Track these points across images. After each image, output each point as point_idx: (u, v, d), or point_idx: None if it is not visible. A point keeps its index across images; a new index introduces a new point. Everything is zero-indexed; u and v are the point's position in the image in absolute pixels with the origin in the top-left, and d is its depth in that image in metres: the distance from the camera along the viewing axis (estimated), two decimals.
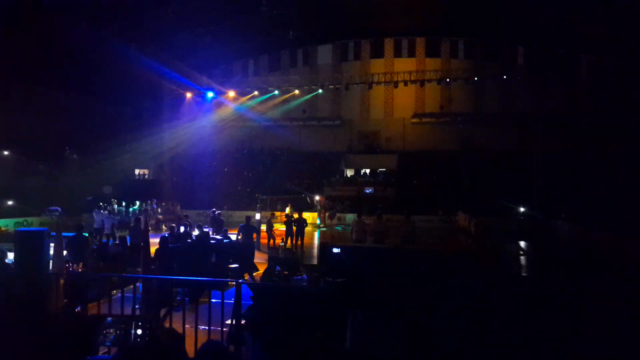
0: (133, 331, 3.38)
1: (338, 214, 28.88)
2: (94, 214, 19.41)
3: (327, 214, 27.94)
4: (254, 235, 13.13)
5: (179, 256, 8.93)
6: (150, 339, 3.35)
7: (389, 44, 37.54)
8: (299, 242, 16.16)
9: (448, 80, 29.81)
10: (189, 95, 34.87)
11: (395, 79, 30.70)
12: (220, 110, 38.56)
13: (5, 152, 28.12)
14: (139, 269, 7.67)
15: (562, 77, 32.39)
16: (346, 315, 5.33)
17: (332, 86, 32.82)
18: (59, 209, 22.27)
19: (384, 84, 31.77)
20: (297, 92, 33.28)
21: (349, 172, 36.94)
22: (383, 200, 30.23)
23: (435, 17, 30.50)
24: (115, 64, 28.83)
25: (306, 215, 21.46)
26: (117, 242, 12.57)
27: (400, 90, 34.11)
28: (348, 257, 6.47)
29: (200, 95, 34.29)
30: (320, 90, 32.97)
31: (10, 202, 23.01)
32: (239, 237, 12.52)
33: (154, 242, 8.03)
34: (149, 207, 23.90)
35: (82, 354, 4.04)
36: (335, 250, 6.69)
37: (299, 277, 6.77)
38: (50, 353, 4.38)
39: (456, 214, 27.53)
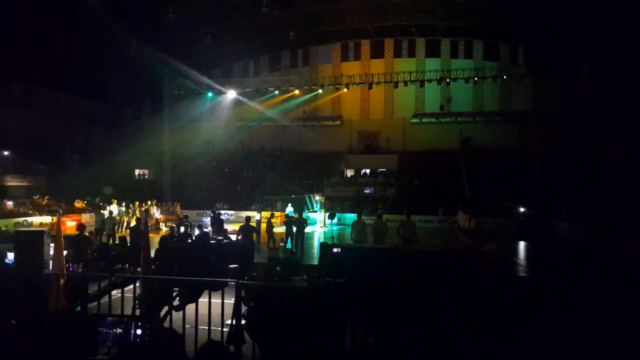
0: (133, 331, 3.38)
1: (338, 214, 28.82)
2: (94, 214, 19.43)
3: (327, 214, 27.87)
4: (254, 235, 13.12)
5: (179, 256, 8.92)
6: (150, 339, 3.35)
7: (389, 44, 37.54)
8: (299, 242, 16.13)
9: (448, 80, 29.75)
10: (189, 95, 34.83)
11: (395, 79, 30.65)
12: (221, 110, 38.58)
13: (5, 152, 28.11)
14: (139, 269, 7.67)
15: (562, 77, 32.37)
16: (346, 315, 5.33)
17: (332, 86, 32.79)
18: (59, 209, 22.30)
19: (384, 84, 31.73)
20: (297, 92, 33.24)
21: (349, 172, 36.94)
22: (383, 200, 30.27)
23: (435, 17, 30.48)
24: (115, 64, 28.88)
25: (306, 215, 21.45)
26: (117, 242, 12.57)
27: (400, 90, 34.09)
28: (348, 257, 6.46)
29: (200, 95, 34.28)
30: (320, 90, 32.92)
31: (10, 202, 23.01)
32: (239, 238, 12.52)
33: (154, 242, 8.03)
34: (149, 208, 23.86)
35: (82, 354, 4.04)
36: (335, 250, 6.68)
37: (299, 277, 6.76)
38: (50, 353, 4.38)
39: (456, 214, 27.48)
